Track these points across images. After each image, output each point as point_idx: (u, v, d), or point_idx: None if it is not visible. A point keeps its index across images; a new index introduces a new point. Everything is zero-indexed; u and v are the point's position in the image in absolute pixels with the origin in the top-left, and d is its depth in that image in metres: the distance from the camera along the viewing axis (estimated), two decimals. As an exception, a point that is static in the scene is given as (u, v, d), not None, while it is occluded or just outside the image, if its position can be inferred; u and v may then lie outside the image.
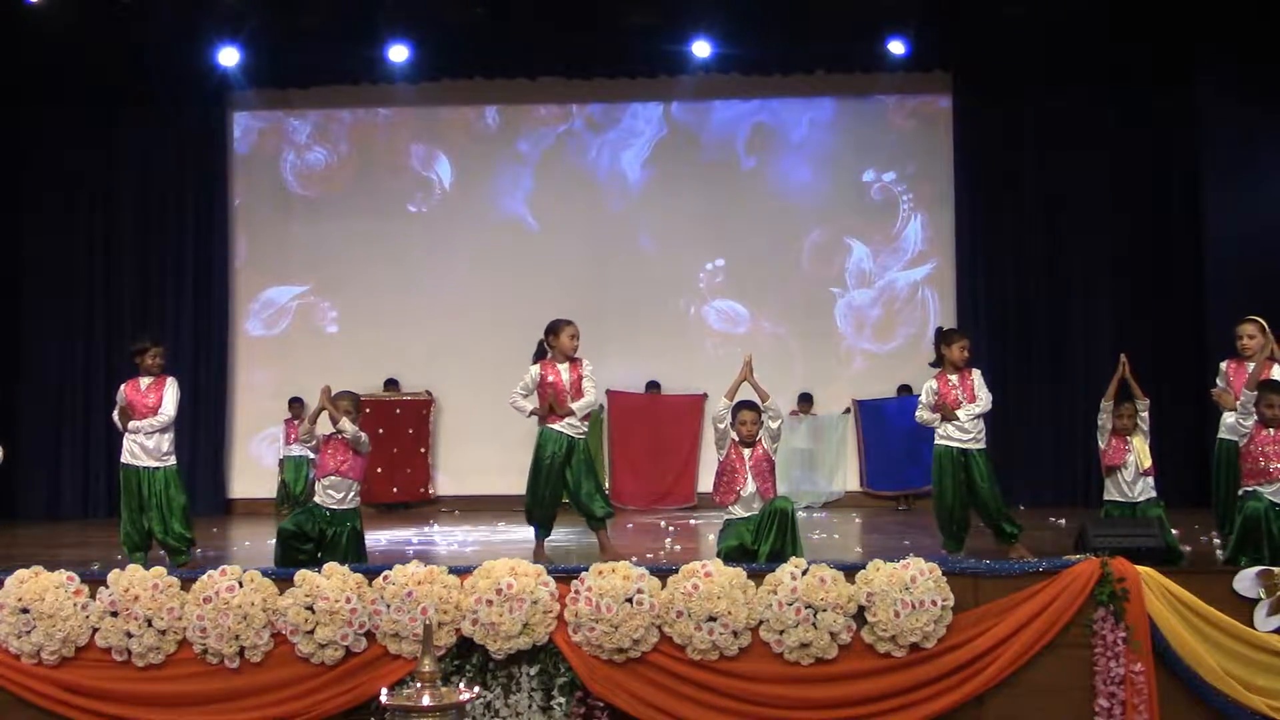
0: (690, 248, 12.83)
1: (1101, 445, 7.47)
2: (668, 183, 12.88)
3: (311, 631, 6.24)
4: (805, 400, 12.55)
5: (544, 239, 12.85)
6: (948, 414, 7.75)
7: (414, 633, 6.14)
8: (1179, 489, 9.76)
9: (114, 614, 6.33)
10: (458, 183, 13.03)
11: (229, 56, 11.78)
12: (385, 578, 6.31)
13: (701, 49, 11.62)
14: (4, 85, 11.96)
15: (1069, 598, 6.19)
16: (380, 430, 12.37)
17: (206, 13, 11.20)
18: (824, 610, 6.16)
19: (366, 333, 12.82)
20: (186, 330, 12.56)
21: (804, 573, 6.26)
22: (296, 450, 12.27)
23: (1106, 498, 7.51)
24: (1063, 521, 9.43)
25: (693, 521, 10.92)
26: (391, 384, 12.78)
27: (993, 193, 12.31)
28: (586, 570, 6.33)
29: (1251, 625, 6.20)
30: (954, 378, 7.80)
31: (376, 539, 9.06)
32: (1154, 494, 7.37)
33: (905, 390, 12.44)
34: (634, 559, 6.69)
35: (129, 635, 6.31)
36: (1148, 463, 7.39)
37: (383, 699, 4.53)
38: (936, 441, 7.84)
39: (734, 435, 7.32)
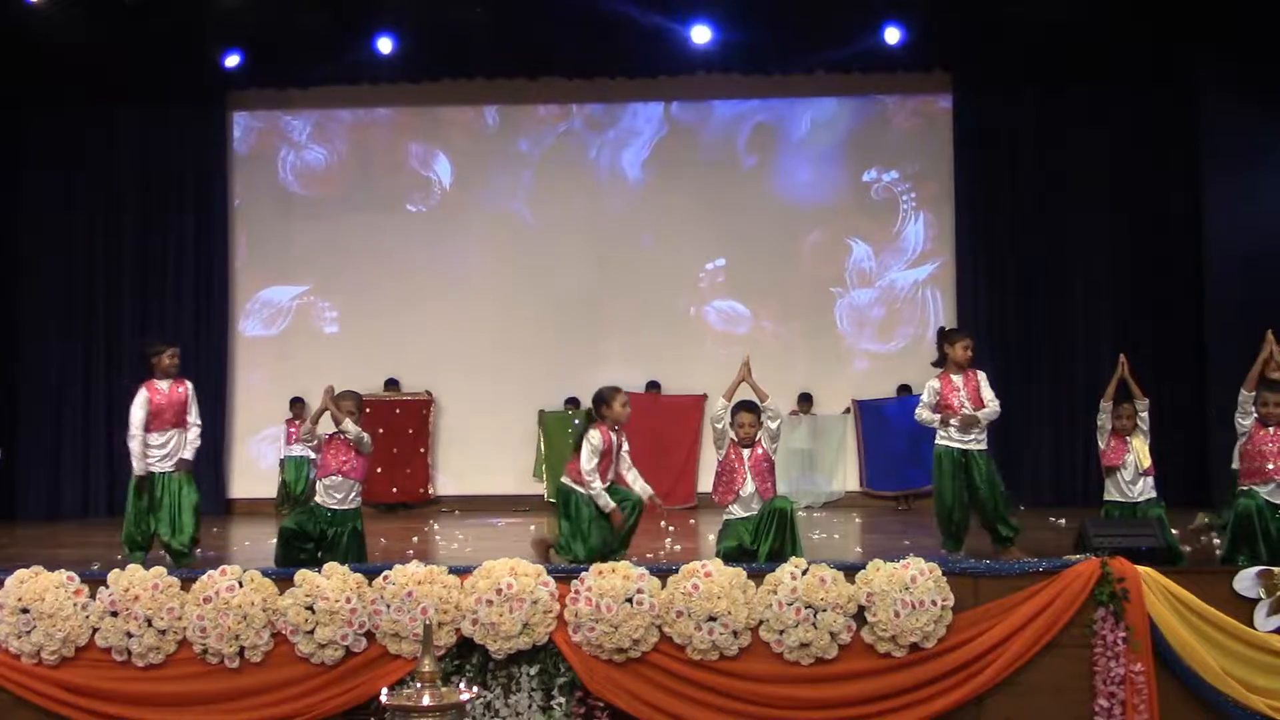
0: (690, 247, 12.83)
1: (1101, 445, 7.47)
2: (668, 182, 12.87)
3: (311, 631, 6.24)
4: (805, 400, 12.54)
5: (544, 239, 12.85)
6: (947, 416, 7.71)
7: (414, 633, 6.14)
8: (1179, 489, 9.75)
9: (114, 614, 6.33)
10: (457, 182, 13.03)
11: (229, 57, 11.79)
12: (385, 578, 6.32)
13: (701, 42, 11.58)
14: (4, 85, 11.95)
15: (1069, 598, 6.19)
16: (380, 430, 12.36)
17: (206, 13, 11.19)
18: (824, 610, 6.16)
19: (366, 333, 12.82)
20: (186, 330, 12.53)
21: (804, 573, 6.26)
22: (297, 450, 12.28)
23: (1106, 498, 7.51)
24: (1063, 521, 9.43)
25: (693, 521, 10.92)
26: (391, 384, 12.78)
27: (993, 192, 12.31)
28: (586, 570, 6.33)
29: (1251, 625, 6.21)
30: (957, 378, 7.79)
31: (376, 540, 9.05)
32: (1154, 494, 7.37)
33: (905, 390, 12.44)
34: (634, 559, 6.68)
35: (129, 635, 6.31)
36: (1147, 463, 7.39)
37: (383, 699, 4.52)
38: (937, 441, 7.84)
39: (733, 435, 7.32)
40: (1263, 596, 6.24)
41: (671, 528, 10.00)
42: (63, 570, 6.53)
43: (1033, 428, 11.99)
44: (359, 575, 6.37)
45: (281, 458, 12.39)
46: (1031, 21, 11.12)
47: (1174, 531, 7.28)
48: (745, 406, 7.36)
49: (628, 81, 12.55)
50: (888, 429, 12.35)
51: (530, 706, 6.21)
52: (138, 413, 7.83)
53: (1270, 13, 10.59)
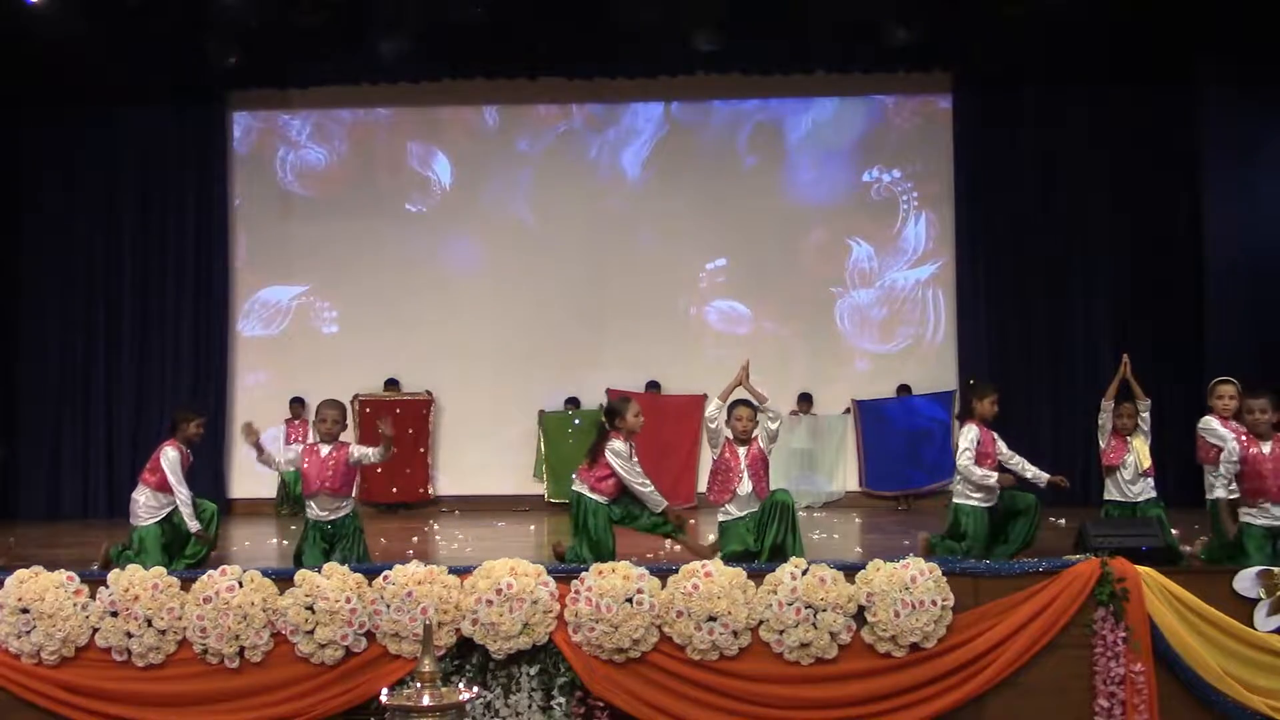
0: (690, 247, 12.83)
1: (1102, 445, 7.46)
2: (668, 182, 12.87)
3: (311, 631, 6.24)
4: (805, 400, 12.54)
5: (544, 238, 12.84)
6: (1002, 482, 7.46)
7: (414, 633, 6.14)
8: (1179, 489, 9.75)
9: (114, 614, 6.33)
10: (457, 182, 13.03)
11: (229, 57, 11.77)
12: (385, 578, 6.31)
13: (705, 48, 11.57)
14: (4, 85, 11.95)
15: (1069, 598, 6.19)
16: (385, 426, 12.36)
17: (206, 13, 11.18)
18: (824, 610, 6.16)
19: (366, 333, 12.82)
20: (186, 330, 12.55)
21: (804, 573, 6.26)
22: (296, 450, 12.26)
23: (1106, 497, 7.51)
24: (1063, 521, 9.42)
25: (693, 521, 10.91)
26: (391, 384, 12.78)
27: (993, 192, 12.31)
28: (586, 570, 6.33)
29: (1251, 625, 6.20)
30: (989, 431, 7.58)
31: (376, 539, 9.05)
32: (1154, 494, 7.37)
33: (905, 390, 12.45)
34: (634, 559, 6.68)
35: (129, 635, 6.31)
36: (1147, 463, 7.39)
37: (383, 699, 4.52)
38: (967, 502, 7.52)
39: (728, 433, 7.33)
40: (1263, 596, 6.24)
41: (671, 528, 10.00)
42: (63, 570, 6.53)
43: (1032, 428, 11.98)
44: (359, 575, 6.37)
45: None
46: (1032, 21, 11.12)
47: (1174, 531, 7.30)
48: (743, 402, 7.36)
49: (628, 81, 12.54)
50: (888, 429, 12.36)
51: (530, 706, 6.21)
52: (179, 474, 7.61)
53: (1271, 12, 10.59)
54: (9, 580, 6.46)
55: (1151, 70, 11.74)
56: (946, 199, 12.56)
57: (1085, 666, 6.17)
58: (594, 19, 11.22)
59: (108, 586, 6.39)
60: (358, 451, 7.40)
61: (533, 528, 10.71)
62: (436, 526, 10.75)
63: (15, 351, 12.33)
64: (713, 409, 7.42)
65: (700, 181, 12.78)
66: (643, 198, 12.92)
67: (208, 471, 12.27)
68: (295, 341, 12.92)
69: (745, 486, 7.22)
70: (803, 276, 12.79)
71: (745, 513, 7.27)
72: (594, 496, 7.46)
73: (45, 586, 6.39)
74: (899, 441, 12.21)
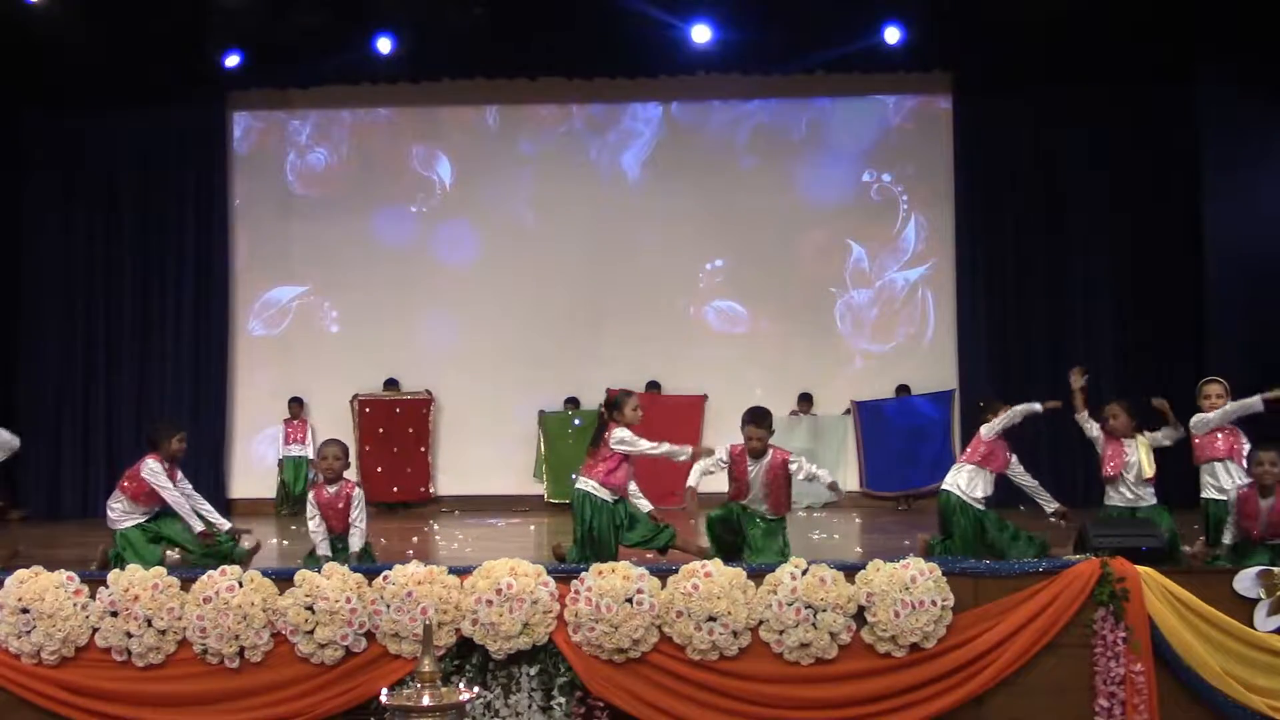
0: (690, 248, 12.83)
1: (1100, 452, 7.42)
2: (668, 183, 12.87)
3: (311, 631, 6.24)
4: (805, 400, 12.55)
5: (544, 239, 12.85)
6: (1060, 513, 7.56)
7: (414, 633, 6.14)
8: (1179, 489, 9.72)
9: (114, 614, 6.32)
10: (458, 183, 13.03)
11: (229, 56, 11.80)
12: (385, 578, 6.31)
13: (701, 42, 11.57)
14: (4, 85, 11.95)
15: (1069, 598, 6.19)
16: (380, 430, 12.39)
17: (206, 13, 11.19)
18: (824, 610, 6.16)
19: (366, 333, 12.83)
20: (186, 330, 12.56)
21: (804, 573, 6.26)
22: (295, 450, 12.31)
23: (1107, 502, 7.48)
24: (1063, 522, 9.41)
25: (692, 522, 10.90)
26: (391, 384, 12.78)
27: (992, 192, 12.32)
28: (586, 570, 6.33)
29: (1251, 625, 6.20)
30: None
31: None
32: (1154, 501, 7.34)
33: (904, 390, 12.45)
34: (634, 559, 6.68)
35: (129, 635, 6.30)
36: (1151, 471, 7.34)
37: (383, 699, 4.52)
38: (951, 489, 7.58)
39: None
40: (1263, 596, 6.23)
41: (671, 528, 9.99)
42: (63, 570, 6.52)
43: (1032, 428, 11.95)
44: (359, 575, 6.37)
45: (280, 457, 12.40)
46: (1031, 21, 11.12)
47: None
48: (752, 419, 7.33)
49: (628, 82, 12.55)
50: (887, 429, 12.36)
51: (530, 706, 6.21)
52: (166, 481, 7.47)
53: (1271, 12, 10.59)
54: (9, 580, 6.46)
55: (1151, 70, 11.74)
56: (946, 199, 12.56)
57: (1085, 666, 6.16)
58: (594, 19, 11.23)
59: (108, 586, 6.38)
60: (357, 496, 7.33)
61: (533, 528, 10.72)
62: (436, 526, 10.76)
63: (15, 352, 12.34)
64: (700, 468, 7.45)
65: (700, 182, 12.78)
66: (643, 198, 12.92)
67: (208, 471, 12.28)
68: (296, 341, 12.92)
69: (755, 496, 7.25)
70: (802, 277, 12.79)
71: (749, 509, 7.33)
72: (601, 494, 7.40)
73: (45, 586, 6.39)
74: (898, 441, 12.21)
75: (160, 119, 12.45)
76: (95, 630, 6.35)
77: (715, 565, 6.33)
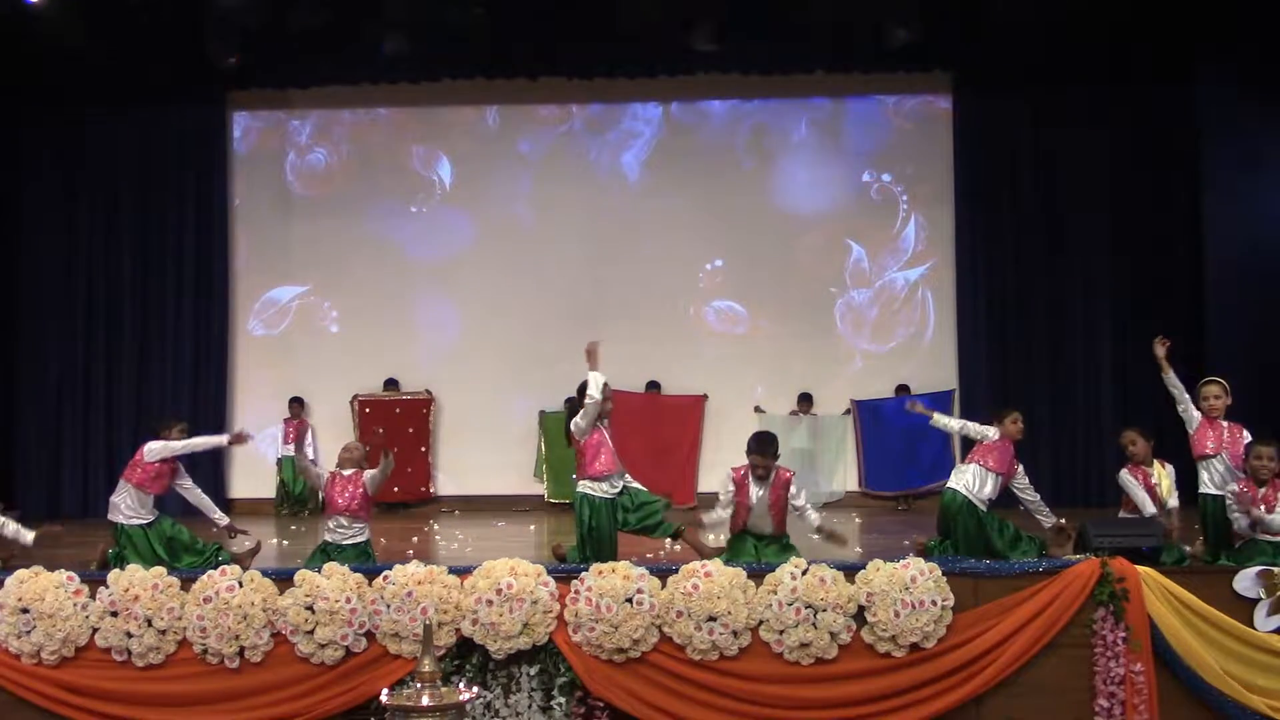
0: (690, 248, 12.83)
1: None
2: (667, 183, 12.87)
3: (311, 631, 6.24)
4: (805, 400, 12.54)
5: (544, 239, 12.84)
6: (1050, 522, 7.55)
7: (414, 633, 6.14)
8: (1179, 490, 9.72)
9: (114, 614, 6.33)
10: (458, 183, 13.02)
11: (229, 56, 11.80)
12: (385, 578, 6.31)
13: (705, 48, 11.59)
14: (4, 85, 11.95)
15: (1069, 598, 6.19)
16: (380, 430, 12.37)
17: (206, 12, 11.19)
18: (824, 610, 6.16)
19: (366, 333, 12.82)
20: (186, 330, 12.55)
21: (804, 573, 6.26)
22: (294, 450, 12.29)
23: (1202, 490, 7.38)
24: (1063, 521, 9.40)
25: (692, 520, 10.89)
26: (391, 384, 12.77)
27: (992, 192, 12.32)
28: (586, 570, 6.33)
29: (1251, 625, 6.20)
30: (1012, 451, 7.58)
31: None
32: None
33: (903, 390, 12.44)
34: (634, 559, 6.68)
35: (129, 635, 6.31)
36: (1174, 501, 7.32)
37: (383, 699, 4.52)
38: (956, 487, 7.53)
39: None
40: (1263, 596, 6.24)
41: (671, 528, 9.99)
42: (63, 570, 6.53)
43: (1032, 428, 11.95)
44: (359, 575, 6.37)
45: (279, 457, 12.39)
46: (1031, 21, 11.13)
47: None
48: (757, 448, 7.27)
49: (628, 82, 12.55)
50: (886, 429, 12.35)
51: (530, 706, 6.21)
52: (171, 448, 7.54)
53: (1270, 12, 10.59)
54: (9, 580, 6.46)
55: (1151, 70, 11.74)
56: (946, 199, 12.56)
57: (1085, 666, 6.17)
58: (594, 20, 11.23)
59: (108, 586, 6.38)
60: (368, 476, 7.36)
61: (533, 528, 10.72)
62: (436, 526, 10.76)
63: (15, 351, 12.34)
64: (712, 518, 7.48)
65: (699, 182, 12.78)
66: (642, 198, 12.92)
67: (208, 471, 12.27)
68: (296, 341, 12.92)
69: (758, 519, 7.23)
70: (802, 277, 12.79)
71: (757, 532, 7.29)
72: (597, 492, 7.34)
73: (45, 586, 6.39)
74: (898, 441, 12.20)
75: (160, 119, 12.45)
76: (95, 630, 6.35)
77: (715, 565, 6.34)
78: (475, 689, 5.72)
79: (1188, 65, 11.48)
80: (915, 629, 6.10)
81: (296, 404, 12.49)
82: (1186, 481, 7.87)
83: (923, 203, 12.75)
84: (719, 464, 7.56)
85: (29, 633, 6.34)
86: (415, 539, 9.69)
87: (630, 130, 12.98)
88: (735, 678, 6.20)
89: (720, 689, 6.20)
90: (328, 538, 7.30)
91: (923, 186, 12.75)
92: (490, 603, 6.17)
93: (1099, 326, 12.02)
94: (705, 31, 11.25)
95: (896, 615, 6.10)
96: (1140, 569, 6.24)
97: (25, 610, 6.35)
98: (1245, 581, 6.28)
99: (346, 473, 7.39)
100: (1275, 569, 6.29)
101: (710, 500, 7.85)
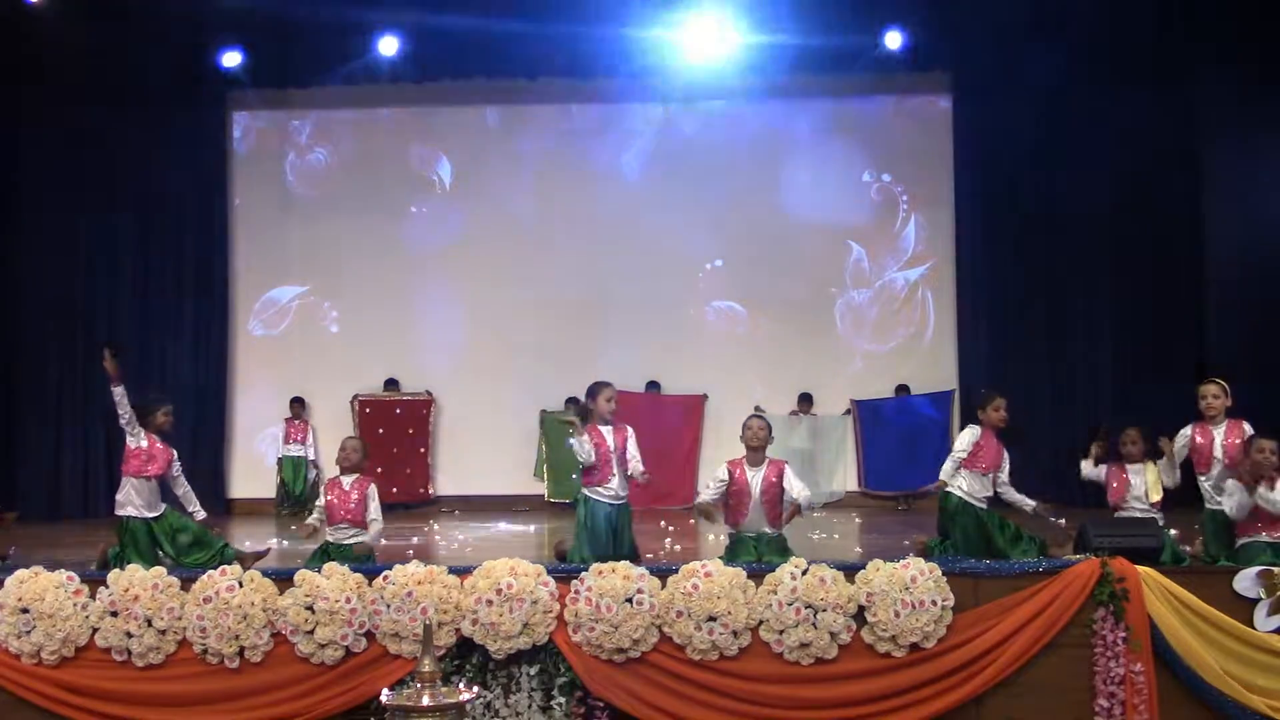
0: (690, 248, 12.83)
1: (1104, 484, 7.38)
2: (668, 183, 12.87)
3: (311, 631, 6.24)
4: (805, 400, 12.55)
5: (544, 239, 12.85)
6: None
7: (414, 633, 6.14)
8: (1179, 490, 9.72)
9: (114, 614, 6.32)
10: (458, 183, 13.03)
11: (229, 57, 11.82)
12: (385, 578, 6.31)
13: (705, 48, 11.61)
14: (4, 85, 11.95)
15: (1069, 598, 6.19)
16: (380, 430, 12.38)
17: (206, 13, 11.20)
18: (824, 610, 6.16)
19: (366, 333, 12.83)
20: (186, 330, 12.56)
21: (804, 573, 6.26)
22: (295, 450, 12.31)
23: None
24: (1063, 521, 9.42)
25: (692, 521, 10.91)
26: (391, 384, 12.78)
27: (992, 192, 12.32)
28: (586, 570, 6.33)
29: (1251, 625, 6.20)
30: (996, 441, 7.57)
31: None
32: (1161, 524, 7.30)
33: (903, 390, 12.46)
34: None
35: (129, 635, 6.30)
36: (1158, 495, 7.31)
37: (383, 699, 4.52)
38: (953, 491, 7.55)
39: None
40: (1263, 596, 6.24)
41: (671, 528, 10.02)
42: (63, 570, 6.53)
43: (1032, 428, 11.96)
44: (359, 575, 6.37)
45: (279, 457, 12.40)
46: (1031, 21, 11.13)
47: (1173, 532, 7.30)
48: (755, 415, 7.39)
49: (628, 82, 12.55)
50: (886, 429, 12.37)
51: (530, 706, 6.21)
52: (140, 439, 7.40)
53: (1271, 13, 10.60)
54: (9, 580, 6.46)
55: (1151, 70, 11.73)
56: (946, 199, 12.57)
57: (1085, 666, 6.16)
58: (594, 20, 11.23)
59: (108, 586, 6.38)
60: (373, 504, 7.34)
61: (533, 528, 10.72)
62: (436, 526, 10.76)
63: (15, 351, 12.33)
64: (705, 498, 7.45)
65: (700, 182, 12.78)
66: (642, 198, 12.92)
67: (208, 471, 12.29)
68: (296, 341, 12.93)
69: (755, 512, 7.24)
70: (802, 277, 12.79)
71: (755, 532, 7.28)
72: (599, 496, 7.39)
73: (45, 586, 6.39)
74: (897, 441, 12.22)
75: (160, 119, 12.44)
76: (95, 630, 6.35)
77: (715, 565, 6.33)
78: (475, 689, 5.71)
79: (1188, 65, 11.47)
80: (915, 629, 6.10)
81: (298, 404, 12.49)
82: (1185, 484, 7.88)
83: (923, 203, 12.76)
84: (719, 464, 7.54)
85: (29, 633, 6.33)
86: (415, 539, 9.69)
87: (630, 130, 12.99)
88: (735, 678, 6.20)
89: (720, 689, 6.19)
90: (328, 538, 7.31)
91: (923, 186, 12.76)
92: (490, 603, 6.16)
93: (1099, 326, 12.02)
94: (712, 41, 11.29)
95: (896, 615, 6.10)
96: (1140, 569, 6.24)
97: (25, 610, 6.35)
98: (1245, 581, 6.28)
99: (346, 482, 7.35)
100: (1275, 569, 6.29)
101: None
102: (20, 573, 6.50)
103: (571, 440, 7.49)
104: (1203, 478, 7.35)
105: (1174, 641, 6.14)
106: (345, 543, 7.24)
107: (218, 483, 12.50)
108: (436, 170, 13.05)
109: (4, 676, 6.37)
